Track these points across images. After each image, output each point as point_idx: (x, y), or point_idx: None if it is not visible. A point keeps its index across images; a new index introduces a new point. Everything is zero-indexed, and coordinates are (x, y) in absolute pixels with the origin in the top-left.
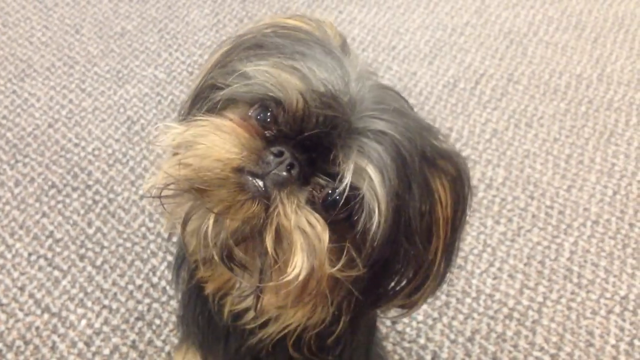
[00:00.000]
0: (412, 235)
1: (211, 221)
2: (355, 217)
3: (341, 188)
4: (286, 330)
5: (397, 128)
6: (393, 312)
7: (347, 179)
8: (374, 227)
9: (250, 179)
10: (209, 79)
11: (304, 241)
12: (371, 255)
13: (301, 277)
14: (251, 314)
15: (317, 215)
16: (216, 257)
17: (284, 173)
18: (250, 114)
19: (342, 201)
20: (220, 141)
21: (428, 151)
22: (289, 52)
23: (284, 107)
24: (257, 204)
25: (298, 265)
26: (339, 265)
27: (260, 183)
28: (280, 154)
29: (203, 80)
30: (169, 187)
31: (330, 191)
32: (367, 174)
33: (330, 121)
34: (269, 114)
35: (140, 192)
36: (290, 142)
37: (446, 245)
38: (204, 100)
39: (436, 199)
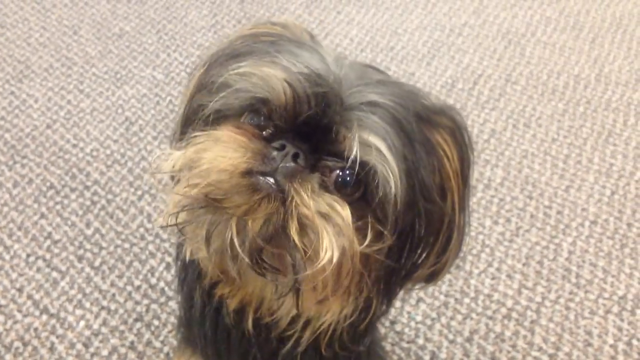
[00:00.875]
0: (428, 192)
1: (234, 229)
2: (370, 192)
3: (350, 163)
4: (322, 328)
5: (386, 96)
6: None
7: (356, 149)
8: (392, 194)
9: (261, 178)
10: (194, 102)
11: (328, 224)
12: (396, 222)
13: (335, 259)
14: (284, 320)
15: (334, 196)
16: (247, 263)
17: (291, 164)
18: (242, 121)
19: (354, 178)
20: (222, 151)
21: (421, 111)
22: (264, 52)
23: (273, 102)
24: (274, 200)
25: (329, 248)
26: (367, 241)
27: (271, 179)
28: (282, 147)
29: (188, 106)
30: (185, 209)
31: (339, 171)
32: (373, 145)
33: (322, 99)
34: (261, 116)
35: (139, 192)
36: (289, 133)
37: (461, 197)
38: (195, 122)
39: (441, 154)
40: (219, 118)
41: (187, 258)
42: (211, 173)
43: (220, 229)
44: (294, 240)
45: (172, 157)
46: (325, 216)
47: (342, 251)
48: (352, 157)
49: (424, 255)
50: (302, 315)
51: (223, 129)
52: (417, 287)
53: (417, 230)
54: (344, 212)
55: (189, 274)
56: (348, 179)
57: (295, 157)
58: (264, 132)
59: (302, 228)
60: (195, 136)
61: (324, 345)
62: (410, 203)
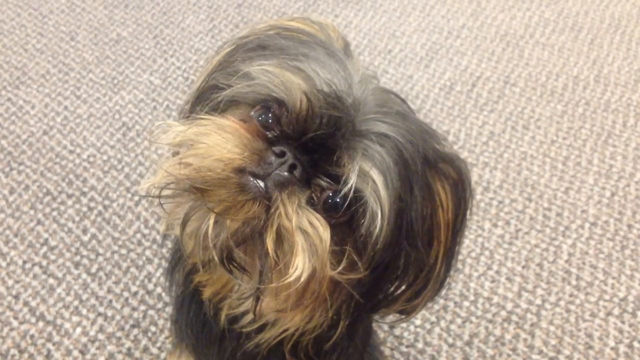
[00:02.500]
0: (413, 238)
1: (211, 222)
2: (356, 221)
3: (345, 190)
4: (284, 335)
5: (400, 131)
6: (391, 318)
7: (352, 181)
8: (376, 230)
9: (252, 179)
10: (211, 79)
11: (305, 242)
12: (373, 258)
13: (302, 279)
14: (249, 317)
15: (318, 215)
16: (216, 259)
17: (286, 173)
18: (252, 114)
19: (344, 204)
20: (222, 141)
21: (430, 155)
22: (292, 54)
23: (287, 107)
24: (258, 205)
25: (300, 266)
26: (340, 268)
27: (262, 184)
28: (282, 155)
29: (205, 81)
30: (169, 187)
31: (331, 194)
32: (371, 178)
33: (335, 122)
34: (270, 115)
35: (136, 198)
36: (293, 143)
37: (447, 249)
38: (206, 100)
39: (437, 203)
40: (230, 103)
41: (161, 231)
42: (205, 158)
43: (198, 216)
44: (267, 249)
45: (173, 130)
46: (304, 233)
47: (312, 272)
48: (348, 185)
49: (397, 292)
50: (259, 319)
51: (230, 118)
52: (386, 319)
53: (393, 270)
54: (324, 233)
55: (176, 259)
56: (338, 203)
57: (292, 168)
58: (268, 133)
59: (279, 239)
60: (202, 117)
61: (287, 351)
62: (393, 244)
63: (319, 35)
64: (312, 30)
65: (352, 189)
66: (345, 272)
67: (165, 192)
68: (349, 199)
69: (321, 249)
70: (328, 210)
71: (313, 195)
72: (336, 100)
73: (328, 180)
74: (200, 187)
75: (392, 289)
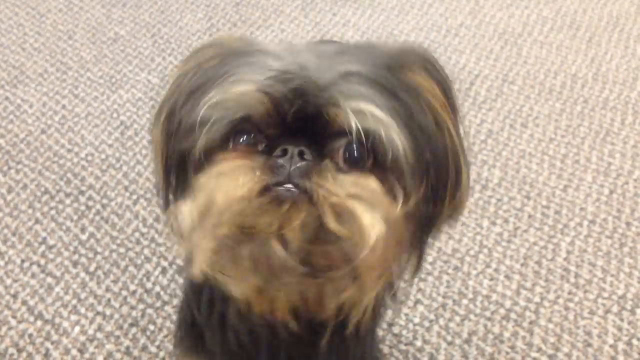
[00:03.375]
0: (428, 134)
1: (278, 246)
2: (381, 156)
3: (351, 136)
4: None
5: (353, 63)
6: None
7: (353, 123)
8: (401, 150)
9: (280, 189)
10: (170, 152)
11: (360, 203)
12: (413, 175)
13: (382, 232)
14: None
15: (353, 173)
16: (302, 272)
17: (301, 162)
18: (231, 144)
19: (360, 150)
20: (231, 182)
21: (388, 61)
22: (220, 76)
23: (255, 115)
24: (302, 203)
25: (371, 224)
26: (400, 201)
27: (290, 185)
28: (285, 152)
29: (163, 158)
30: (220, 252)
31: (345, 149)
32: (364, 111)
33: (299, 92)
34: (249, 133)
35: (134, 197)
36: (284, 136)
37: (455, 125)
38: (180, 167)
39: (424, 93)
40: (206, 154)
41: (228, 294)
42: (230, 207)
43: (263, 253)
44: (335, 232)
45: (183, 213)
46: (355, 196)
47: (385, 221)
48: (352, 129)
49: (443, 194)
50: (361, 299)
51: (219, 161)
52: (444, 230)
53: (431, 173)
54: (371, 183)
55: (207, 300)
56: (355, 152)
57: (300, 154)
58: (259, 147)
59: (339, 217)
60: (195, 181)
61: (354, 327)
62: (418, 150)
63: (224, 50)
64: (216, 51)
65: (356, 129)
66: (405, 203)
67: (218, 261)
68: (360, 142)
69: (378, 198)
70: (353, 165)
71: (334, 161)
72: (285, 74)
73: (334, 139)
74: (246, 230)
75: (439, 191)
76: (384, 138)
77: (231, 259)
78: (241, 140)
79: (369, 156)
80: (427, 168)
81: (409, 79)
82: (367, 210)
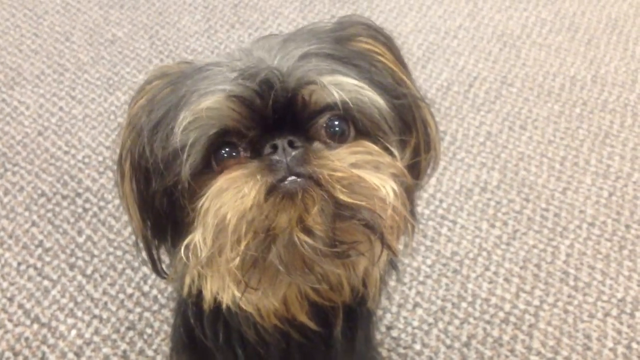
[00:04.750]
0: (394, 91)
1: (304, 237)
2: (362, 122)
3: (340, 105)
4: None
5: (305, 45)
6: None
7: (336, 92)
8: (378, 111)
9: (285, 183)
10: (153, 193)
11: (364, 169)
12: (395, 131)
13: (395, 188)
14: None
15: (345, 144)
16: (333, 253)
17: (294, 151)
18: (214, 163)
19: (342, 120)
20: (235, 195)
21: (335, 36)
22: (180, 98)
23: (230, 125)
24: (311, 189)
25: (382, 184)
26: (401, 155)
27: (292, 177)
28: (275, 148)
29: (145, 201)
30: (250, 263)
31: (328, 124)
32: (334, 83)
33: (270, 82)
34: (229, 146)
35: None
36: (266, 133)
37: (409, 77)
38: (168, 204)
39: (376, 56)
40: (193, 179)
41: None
42: (243, 218)
43: (291, 249)
44: (352, 205)
45: (194, 242)
46: (357, 164)
47: (393, 177)
48: (335, 100)
49: (420, 145)
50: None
51: (214, 181)
52: (428, 179)
53: (405, 128)
54: (367, 146)
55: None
56: (337, 127)
57: (291, 144)
58: (246, 154)
59: (351, 189)
60: (193, 209)
61: (372, 300)
62: (391, 108)
63: (172, 77)
64: (164, 80)
65: (338, 102)
66: (404, 157)
67: (248, 272)
68: (340, 112)
69: (379, 158)
70: (341, 138)
71: (323, 140)
72: (247, 71)
73: (315, 118)
74: (269, 233)
75: (417, 144)
76: (365, 101)
77: (260, 268)
78: (224, 154)
79: (350, 126)
80: (404, 122)
81: (359, 46)
82: (373, 172)
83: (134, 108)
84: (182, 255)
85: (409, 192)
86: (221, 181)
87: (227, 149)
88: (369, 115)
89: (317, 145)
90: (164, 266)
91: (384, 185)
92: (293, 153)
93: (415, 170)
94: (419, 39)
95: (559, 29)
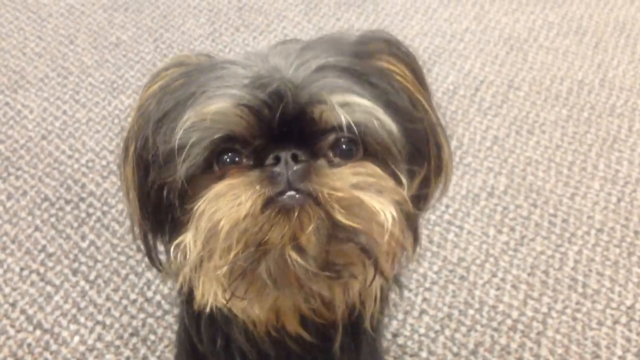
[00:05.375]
0: (408, 115)
1: (295, 256)
2: (370, 144)
3: (345, 131)
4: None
5: (322, 57)
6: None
7: (343, 116)
8: (388, 135)
9: (283, 198)
10: (149, 185)
11: (366, 192)
12: (404, 156)
13: (395, 214)
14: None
15: (350, 164)
16: (324, 276)
17: (296, 167)
18: (217, 167)
19: (351, 141)
20: (231, 202)
21: (355, 50)
22: (189, 96)
23: (237, 132)
24: (309, 207)
25: (381, 209)
26: (407, 183)
27: (292, 192)
28: (277, 159)
29: (141, 192)
30: (238, 275)
31: (336, 143)
32: (346, 103)
33: (280, 94)
34: (232, 152)
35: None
36: (271, 143)
37: (428, 101)
38: (162, 200)
39: (395, 76)
40: (190, 180)
41: (234, 317)
42: (236, 227)
43: (281, 266)
44: (350, 227)
45: (186, 245)
46: (359, 186)
47: (394, 204)
48: (342, 123)
49: (429, 170)
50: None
51: (213, 185)
52: (434, 203)
53: (416, 153)
54: (370, 168)
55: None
56: (344, 143)
57: (294, 158)
58: (249, 162)
59: (350, 210)
60: (186, 211)
61: (368, 319)
62: (403, 131)
63: (188, 68)
64: (179, 71)
65: (349, 123)
66: (410, 185)
67: (236, 284)
68: (349, 133)
69: (382, 182)
70: (347, 157)
71: (328, 157)
72: (259, 80)
73: (323, 135)
74: (260, 248)
75: (427, 167)
76: (376, 125)
77: (247, 280)
78: (226, 159)
79: (359, 147)
80: (416, 147)
81: (378, 64)
82: (374, 196)
83: (146, 92)
84: (172, 254)
85: (411, 219)
86: (220, 186)
87: (230, 154)
88: (379, 139)
89: (321, 162)
90: (161, 258)
91: (384, 210)
92: (295, 167)
93: (423, 197)
94: (425, 42)
95: (567, 32)
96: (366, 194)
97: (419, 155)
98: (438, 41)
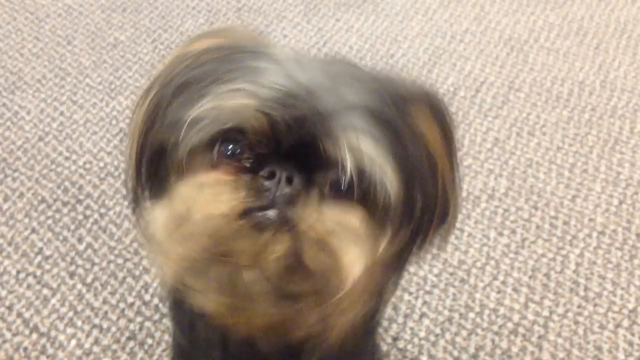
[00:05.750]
0: (422, 180)
1: (249, 274)
2: (368, 193)
3: (348, 175)
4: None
5: (362, 95)
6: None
7: (349, 161)
8: (390, 193)
9: (262, 214)
10: (150, 142)
11: (343, 240)
12: (398, 216)
13: (360, 273)
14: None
15: (340, 207)
16: (272, 300)
17: (287, 190)
18: (216, 152)
19: (350, 185)
20: (212, 196)
21: (399, 101)
22: (218, 77)
23: (249, 131)
24: (282, 234)
25: (350, 265)
26: (382, 245)
27: (273, 212)
28: (272, 175)
29: (141, 147)
30: (188, 268)
31: (335, 181)
32: (362, 150)
33: (302, 121)
34: (236, 145)
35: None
36: (273, 157)
37: (450, 173)
38: (156, 161)
39: (427, 140)
40: (188, 155)
41: (196, 310)
42: (207, 223)
43: (231, 279)
44: (313, 270)
45: (156, 217)
46: (337, 233)
47: (365, 261)
48: (346, 167)
49: (428, 228)
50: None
51: (202, 171)
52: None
53: (416, 213)
54: (356, 221)
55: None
56: (343, 187)
57: (289, 180)
58: (246, 164)
59: (318, 253)
60: (173, 185)
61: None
62: (409, 193)
63: (232, 43)
64: (221, 42)
65: (350, 168)
66: (389, 246)
67: (187, 276)
68: (352, 179)
69: (360, 238)
70: (339, 197)
71: (321, 190)
72: (289, 97)
73: (325, 169)
74: (220, 252)
75: (422, 227)
76: (376, 180)
77: (197, 274)
78: (228, 149)
79: (355, 191)
80: (414, 209)
81: (413, 120)
82: (348, 250)
83: (183, 50)
84: (142, 221)
85: (381, 276)
86: (209, 177)
87: (232, 146)
88: (377, 195)
89: (313, 192)
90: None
91: (350, 268)
92: (285, 190)
93: (416, 250)
94: (425, 43)
95: (567, 33)
96: (341, 245)
97: (420, 215)
98: (438, 42)
